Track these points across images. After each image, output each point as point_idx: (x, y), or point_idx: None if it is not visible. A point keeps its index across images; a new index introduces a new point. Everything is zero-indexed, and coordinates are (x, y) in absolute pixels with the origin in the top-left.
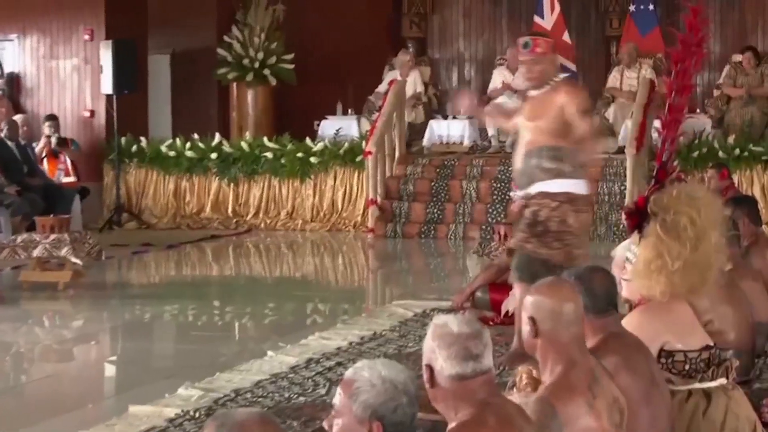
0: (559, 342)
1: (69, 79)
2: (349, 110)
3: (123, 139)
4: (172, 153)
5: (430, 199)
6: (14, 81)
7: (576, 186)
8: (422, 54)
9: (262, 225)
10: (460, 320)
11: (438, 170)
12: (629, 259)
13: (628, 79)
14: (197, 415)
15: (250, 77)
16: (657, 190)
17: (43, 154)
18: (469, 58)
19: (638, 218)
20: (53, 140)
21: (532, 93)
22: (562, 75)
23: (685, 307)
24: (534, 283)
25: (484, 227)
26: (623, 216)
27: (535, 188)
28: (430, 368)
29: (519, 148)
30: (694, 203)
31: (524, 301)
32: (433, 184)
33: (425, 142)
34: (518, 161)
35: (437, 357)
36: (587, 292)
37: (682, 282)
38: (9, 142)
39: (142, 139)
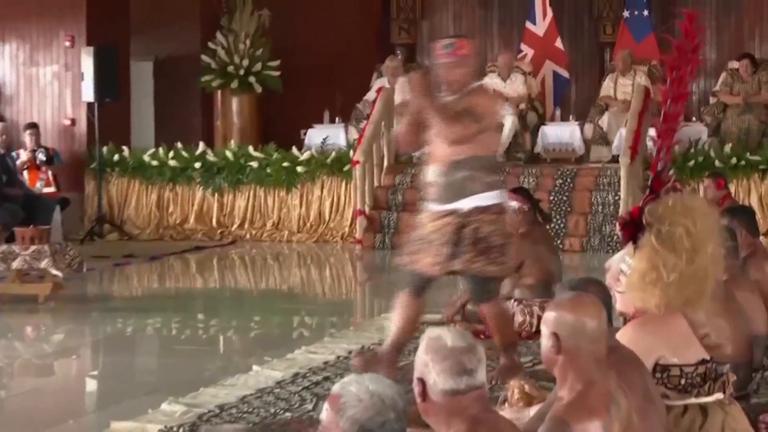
0: (581, 359)
1: (49, 87)
2: (337, 118)
3: (105, 148)
4: (154, 162)
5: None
6: None
7: (502, 196)
8: (412, 60)
9: (248, 236)
10: (455, 334)
11: None
12: (623, 271)
13: (623, 86)
14: (181, 431)
15: (234, 84)
16: (652, 200)
17: (25, 166)
18: None
19: (633, 229)
20: (40, 156)
21: (451, 98)
22: (477, 83)
23: (681, 320)
24: (492, 300)
25: None
26: (617, 227)
27: (467, 203)
28: (423, 382)
29: (435, 157)
30: (690, 214)
31: (546, 316)
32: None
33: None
34: (437, 173)
35: (430, 371)
36: None
37: (677, 294)
38: None
39: (124, 148)
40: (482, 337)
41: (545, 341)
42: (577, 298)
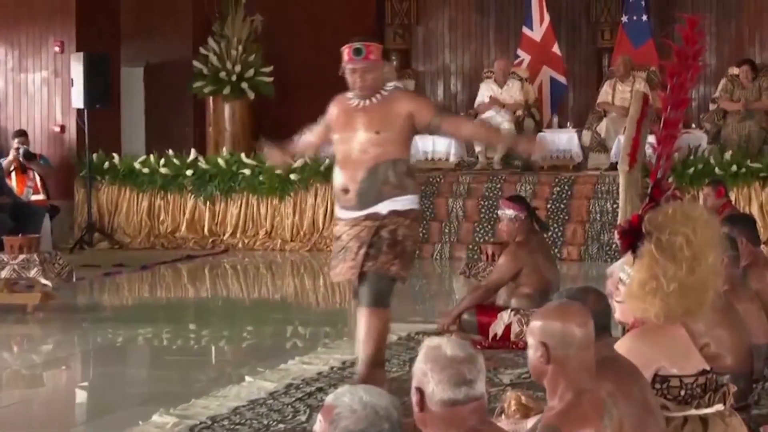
0: (570, 368)
1: (38, 93)
2: None
3: (94, 156)
4: (145, 170)
5: None
6: None
7: (417, 202)
8: (406, 66)
9: (240, 245)
10: (455, 344)
11: (423, 187)
12: (623, 280)
13: (621, 92)
14: None
15: (227, 91)
16: (652, 209)
17: (11, 168)
18: (456, 71)
19: (632, 238)
20: (21, 151)
21: (364, 103)
22: (391, 84)
23: (681, 331)
24: (388, 307)
25: (470, 247)
26: (616, 235)
27: (384, 206)
28: (421, 391)
29: (350, 163)
30: (691, 222)
31: (532, 326)
32: None
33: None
34: (355, 178)
35: (429, 380)
36: None
37: (677, 304)
38: None
39: (115, 155)
40: (479, 347)
41: (533, 352)
42: (563, 306)
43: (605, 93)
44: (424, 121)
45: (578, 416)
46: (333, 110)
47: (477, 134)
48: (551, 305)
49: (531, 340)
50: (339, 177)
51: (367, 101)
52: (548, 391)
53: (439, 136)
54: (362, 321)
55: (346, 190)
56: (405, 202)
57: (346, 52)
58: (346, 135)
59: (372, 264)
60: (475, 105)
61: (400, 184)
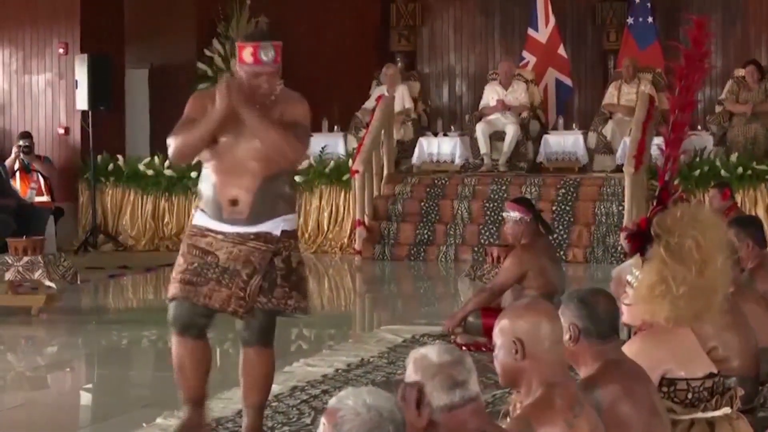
0: (545, 363)
1: (42, 95)
2: (335, 127)
3: (99, 157)
4: (150, 172)
5: (420, 220)
6: None
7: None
8: (411, 68)
9: None
10: (440, 349)
11: (428, 190)
12: (630, 283)
13: (626, 94)
14: None
15: None
16: (660, 212)
17: (16, 167)
18: (460, 73)
19: (641, 241)
20: (21, 143)
21: (259, 107)
22: (280, 87)
23: (688, 333)
24: (272, 346)
25: (476, 249)
26: (622, 237)
27: (276, 225)
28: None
29: (242, 170)
30: (699, 225)
31: (502, 326)
32: (422, 204)
33: (415, 160)
34: (246, 186)
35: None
36: (590, 315)
37: (686, 307)
38: None
39: (119, 157)
40: (483, 349)
41: (506, 352)
42: (531, 303)
43: (610, 95)
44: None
45: (547, 407)
46: (209, 109)
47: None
48: (518, 304)
49: (502, 340)
50: (225, 185)
51: (257, 104)
52: (523, 389)
53: None
54: (250, 363)
55: (234, 202)
56: (293, 221)
57: (249, 52)
58: (232, 140)
59: (266, 300)
60: (480, 107)
61: (291, 198)
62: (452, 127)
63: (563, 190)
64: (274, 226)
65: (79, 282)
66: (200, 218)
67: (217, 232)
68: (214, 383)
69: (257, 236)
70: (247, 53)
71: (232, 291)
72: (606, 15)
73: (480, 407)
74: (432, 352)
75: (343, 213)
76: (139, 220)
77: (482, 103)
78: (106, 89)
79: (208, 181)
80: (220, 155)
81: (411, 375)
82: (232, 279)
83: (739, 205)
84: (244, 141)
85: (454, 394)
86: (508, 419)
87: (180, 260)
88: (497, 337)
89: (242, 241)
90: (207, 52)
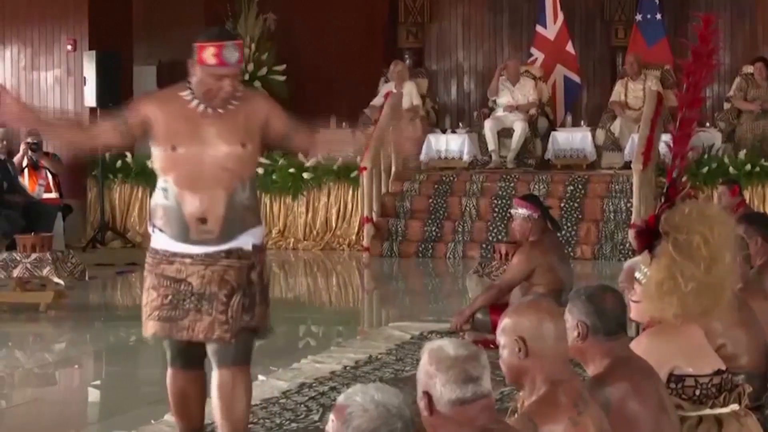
0: (549, 360)
1: (51, 91)
2: (344, 124)
3: (107, 154)
4: None
5: (428, 217)
6: None
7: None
8: (419, 65)
9: None
10: (456, 343)
11: (436, 186)
12: (638, 280)
13: (633, 91)
14: None
15: None
16: (668, 208)
17: (24, 164)
18: (469, 70)
19: (649, 237)
20: (28, 140)
21: (214, 110)
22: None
23: (696, 330)
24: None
25: (484, 246)
26: (630, 234)
27: (246, 240)
28: (428, 395)
29: (205, 183)
30: (708, 222)
31: (505, 324)
32: (431, 201)
33: (423, 157)
34: (213, 201)
35: (435, 383)
36: (598, 312)
37: (695, 304)
38: None
39: (127, 154)
40: (491, 346)
41: (509, 351)
42: (533, 302)
43: (617, 92)
44: (280, 130)
45: (551, 404)
46: (159, 113)
47: (329, 144)
48: (519, 303)
49: (505, 339)
50: (191, 201)
51: (220, 108)
52: (527, 388)
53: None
54: (230, 383)
55: (203, 220)
56: (260, 233)
57: (212, 53)
58: (195, 149)
59: (250, 318)
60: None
61: (257, 208)
62: (460, 124)
63: (571, 187)
64: (245, 242)
65: (87, 279)
66: (161, 241)
67: (183, 255)
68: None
69: (228, 253)
70: (209, 54)
71: (213, 316)
72: (614, 12)
73: (490, 404)
74: (449, 345)
75: (351, 210)
76: (146, 217)
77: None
78: (114, 86)
79: (167, 197)
80: (180, 166)
81: (425, 365)
82: (210, 304)
83: (747, 202)
84: (209, 149)
85: (467, 389)
86: (516, 415)
87: (152, 294)
88: (500, 338)
89: (213, 261)
90: None
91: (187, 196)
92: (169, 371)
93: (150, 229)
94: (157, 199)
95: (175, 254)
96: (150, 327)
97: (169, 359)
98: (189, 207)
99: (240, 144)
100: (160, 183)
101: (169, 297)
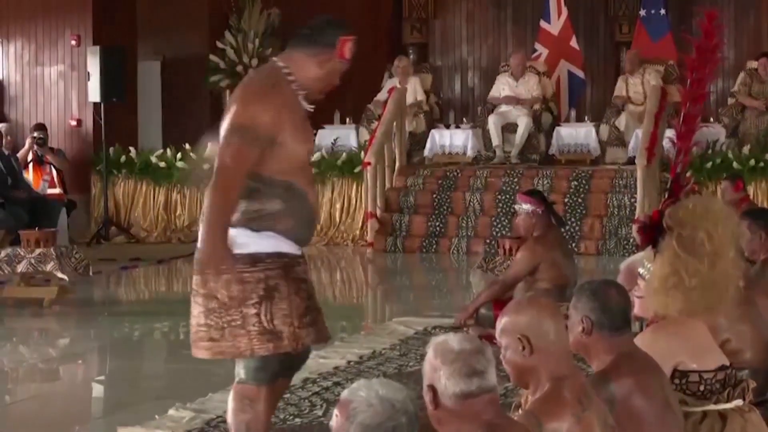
0: (552, 357)
1: (55, 87)
2: (347, 119)
3: (111, 150)
4: (162, 164)
5: (432, 212)
6: None
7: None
8: (423, 60)
9: None
10: (461, 337)
11: (440, 182)
12: (642, 275)
13: (633, 86)
14: None
15: None
16: (672, 204)
17: (29, 159)
18: (473, 65)
19: (653, 233)
20: (35, 134)
21: (308, 108)
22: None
23: (701, 325)
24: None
25: (488, 241)
26: (634, 229)
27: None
28: (433, 388)
29: (312, 181)
30: (711, 217)
31: (505, 324)
32: (434, 196)
33: (427, 152)
34: (317, 199)
35: (440, 376)
36: (603, 307)
37: (699, 299)
38: None
39: (131, 149)
40: (495, 342)
41: (512, 350)
42: (532, 301)
43: (619, 87)
44: None
45: (555, 401)
46: (287, 115)
47: None
48: (516, 302)
49: (507, 339)
50: (313, 202)
51: (310, 104)
52: (532, 385)
53: None
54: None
55: (318, 215)
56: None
57: (350, 47)
58: (310, 147)
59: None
60: (488, 97)
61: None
62: (464, 119)
63: (575, 182)
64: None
65: (91, 274)
66: (283, 245)
67: (300, 255)
68: (226, 375)
69: (302, 257)
70: (348, 48)
71: (322, 317)
72: (618, 7)
73: (495, 399)
74: (454, 339)
75: (355, 205)
76: (151, 212)
77: (491, 93)
78: (118, 81)
79: (297, 200)
80: (304, 168)
81: (430, 359)
82: (317, 305)
83: (751, 197)
84: (309, 150)
85: (471, 383)
86: (520, 411)
87: (295, 300)
88: (501, 338)
89: (296, 263)
90: (219, 45)
91: (311, 197)
92: (264, 389)
93: (247, 235)
94: (279, 202)
95: (296, 256)
96: (304, 335)
97: (271, 374)
98: (315, 206)
99: (312, 141)
100: (283, 185)
101: (307, 300)
